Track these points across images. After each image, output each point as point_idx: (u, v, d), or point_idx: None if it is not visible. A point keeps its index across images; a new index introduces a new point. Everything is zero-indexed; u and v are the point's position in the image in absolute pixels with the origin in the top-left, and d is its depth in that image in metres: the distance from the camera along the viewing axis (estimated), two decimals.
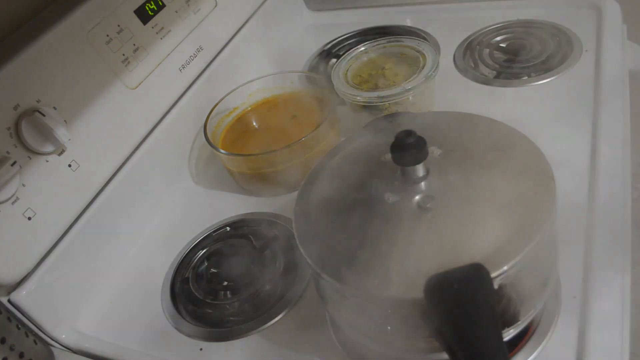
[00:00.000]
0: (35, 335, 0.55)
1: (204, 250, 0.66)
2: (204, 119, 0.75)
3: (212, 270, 0.64)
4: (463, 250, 0.37)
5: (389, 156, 0.42)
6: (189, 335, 0.58)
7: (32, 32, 0.59)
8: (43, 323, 0.58)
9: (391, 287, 0.37)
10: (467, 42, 0.85)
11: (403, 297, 0.36)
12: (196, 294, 0.61)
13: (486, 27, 0.86)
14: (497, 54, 0.81)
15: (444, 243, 0.38)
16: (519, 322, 0.41)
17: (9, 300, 0.56)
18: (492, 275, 0.35)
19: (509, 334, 0.41)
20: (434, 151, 0.45)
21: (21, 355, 0.51)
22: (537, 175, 0.41)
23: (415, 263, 0.37)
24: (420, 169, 0.42)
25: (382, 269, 0.38)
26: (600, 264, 0.49)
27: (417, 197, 0.41)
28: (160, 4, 0.73)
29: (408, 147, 0.40)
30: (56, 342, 0.59)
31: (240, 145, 0.76)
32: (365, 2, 1.02)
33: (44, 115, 0.56)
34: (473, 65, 0.80)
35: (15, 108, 0.55)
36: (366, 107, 0.70)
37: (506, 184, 0.41)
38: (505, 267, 0.36)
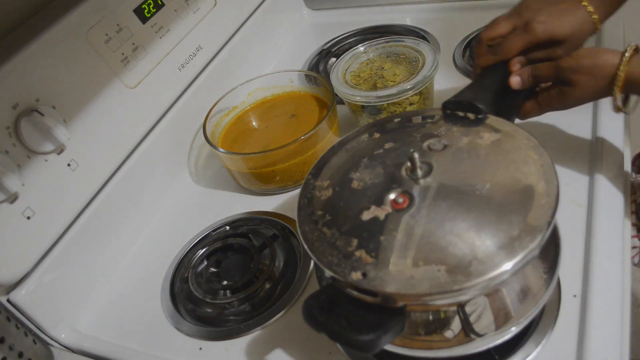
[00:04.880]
0: (35, 334, 0.55)
1: (204, 250, 0.66)
2: (204, 118, 0.75)
3: (212, 269, 0.64)
4: (464, 248, 0.37)
5: (389, 154, 0.42)
6: (188, 335, 0.58)
7: (31, 31, 0.59)
8: (42, 322, 0.58)
9: (397, 285, 0.37)
10: (467, 40, 0.85)
11: (405, 293, 0.37)
12: (195, 293, 0.61)
13: None
14: None
15: (445, 241, 0.38)
16: (519, 322, 0.41)
17: (8, 300, 0.56)
18: (494, 273, 0.35)
19: (509, 333, 0.41)
20: (436, 146, 0.45)
21: (20, 354, 0.51)
22: (540, 172, 0.41)
23: (417, 260, 0.37)
24: (422, 166, 0.43)
25: (386, 266, 0.38)
26: (600, 264, 0.49)
27: (419, 193, 0.42)
28: (160, 3, 0.72)
29: None
30: (55, 341, 0.59)
31: (240, 144, 0.76)
32: (365, 0, 1.02)
33: (43, 114, 0.56)
34: (473, 64, 0.80)
35: (15, 107, 0.55)
36: (365, 107, 0.70)
37: (508, 181, 0.41)
38: (506, 266, 0.36)
